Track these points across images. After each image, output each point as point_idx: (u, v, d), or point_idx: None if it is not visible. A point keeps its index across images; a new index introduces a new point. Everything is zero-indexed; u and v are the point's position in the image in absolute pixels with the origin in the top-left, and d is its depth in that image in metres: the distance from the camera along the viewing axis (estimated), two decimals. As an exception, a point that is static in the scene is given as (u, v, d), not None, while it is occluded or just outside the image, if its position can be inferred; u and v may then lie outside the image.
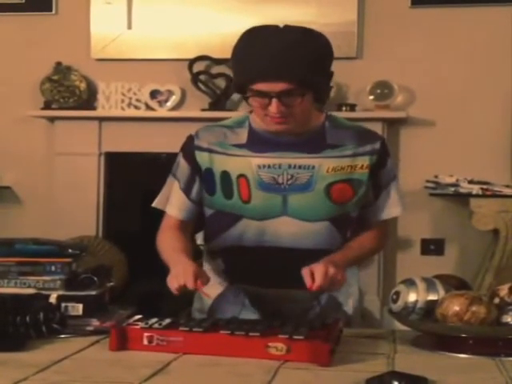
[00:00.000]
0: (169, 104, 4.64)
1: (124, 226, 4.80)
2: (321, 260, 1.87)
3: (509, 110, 4.45)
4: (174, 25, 4.69)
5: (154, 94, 4.63)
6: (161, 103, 4.64)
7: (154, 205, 2.13)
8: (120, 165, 4.79)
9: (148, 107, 4.63)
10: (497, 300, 1.77)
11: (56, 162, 4.71)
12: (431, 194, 4.36)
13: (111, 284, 2.04)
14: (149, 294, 4.11)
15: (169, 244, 2.05)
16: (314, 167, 1.98)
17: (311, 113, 2.00)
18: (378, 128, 4.16)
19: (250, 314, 2.03)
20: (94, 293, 1.92)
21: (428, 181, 4.34)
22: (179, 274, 1.84)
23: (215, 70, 4.66)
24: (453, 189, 4.23)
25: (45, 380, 1.46)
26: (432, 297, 1.79)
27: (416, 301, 1.80)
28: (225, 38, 4.28)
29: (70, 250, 1.99)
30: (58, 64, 4.74)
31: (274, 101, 1.86)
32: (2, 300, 1.81)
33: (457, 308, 1.70)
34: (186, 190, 2.08)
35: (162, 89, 4.63)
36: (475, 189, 4.15)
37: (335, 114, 2.12)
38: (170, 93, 4.64)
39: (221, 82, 4.64)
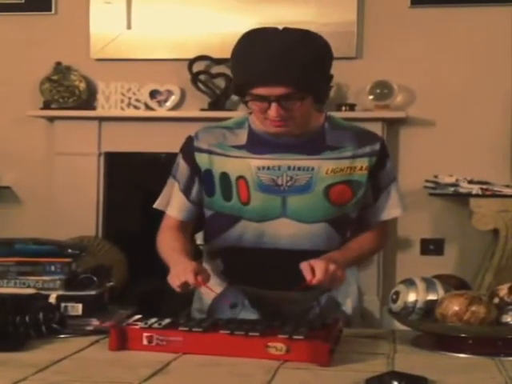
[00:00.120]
0: (168, 104, 4.64)
1: (124, 226, 4.80)
2: (320, 257, 1.87)
3: (508, 110, 4.46)
4: (174, 25, 4.69)
5: (153, 94, 4.63)
6: (160, 103, 4.64)
7: (155, 206, 2.13)
8: (120, 165, 4.79)
9: (147, 107, 4.63)
10: (496, 300, 1.77)
11: (56, 162, 4.71)
12: (431, 194, 4.36)
13: (111, 284, 2.04)
14: (148, 293, 4.11)
15: (168, 244, 2.05)
16: (313, 169, 1.98)
17: (311, 114, 2.00)
18: (377, 128, 4.16)
19: (250, 315, 2.03)
20: (93, 293, 1.92)
21: (428, 181, 4.34)
22: (180, 273, 1.84)
23: (215, 69, 4.66)
24: (452, 189, 4.23)
25: (44, 380, 1.46)
26: (432, 297, 1.79)
27: (416, 301, 1.80)
28: (224, 37, 4.27)
29: (69, 250, 1.99)
30: (58, 64, 4.74)
31: (274, 105, 1.86)
32: (2, 300, 1.80)
33: (456, 308, 1.70)
34: (186, 191, 2.08)
35: (161, 89, 4.63)
36: (475, 189, 4.15)
37: (334, 114, 2.12)
38: (170, 93, 4.64)
39: (220, 82, 4.64)
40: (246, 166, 1.99)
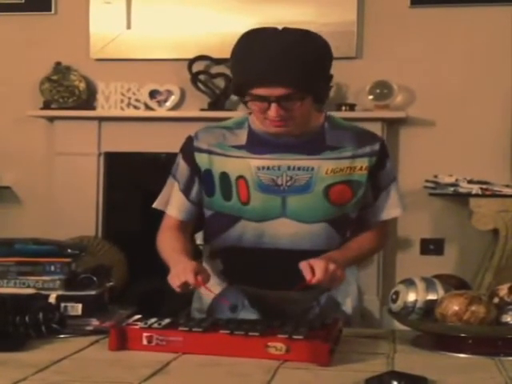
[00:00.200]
0: (168, 104, 4.64)
1: (123, 226, 4.80)
2: (319, 256, 1.87)
3: (508, 110, 4.46)
4: (174, 25, 4.69)
5: (153, 94, 4.63)
6: (160, 103, 4.64)
7: (154, 206, 2.13)
8: (119, 165, 4.79)
9: (147, 107, 4.63)
10: (496, 300, 1.76)
11: (55, 162, 4.71)
12: (431, 194, 4.36)
13: (111, 284, 2.04)
14: (148, 293, 4.11)
15: (169, 244, 2.05)
16: (313, 169, 1.98)
17: (311, 114, 2.00)
18: (377, 128, 4.16)
19: (250, 315, 2.02)
20: (93, 293, 1.92)
21: (427, 181, 4.34)
22: (180, 273, 1.84)
23: (214, 69, 4.66)
24: (452, 189, 4.23)
25: (44, 380, 1.46)
26: (431, 296, 1.79)
27: (415, 300, 1.80)
28: (224, 37, 4.27)
29: (69, 250, 1.99)
30: (58, 64, 4.74)
31: (274, 105, 1.85)
32: (2, 300, 1.80)
33: (456, 308, 1.70)
34: (186, 191, 2.08)
35: (161, 89, 4.63)
36: (475, 188, 4.15)
37: (334, 114, 2.12)
38: (170, 93, 4.64)
39: (220, 82, 4.64)
40: (245, 165, 1.99)
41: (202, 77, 4.66)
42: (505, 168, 4.44)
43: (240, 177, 1.99)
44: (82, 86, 4.72)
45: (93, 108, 4.69)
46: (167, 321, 1.76)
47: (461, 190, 4.21)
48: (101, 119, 4.67)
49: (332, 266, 1.82)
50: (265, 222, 2.00)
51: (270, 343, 1.62)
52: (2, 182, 4.80)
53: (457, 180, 4.23)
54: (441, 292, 1.79)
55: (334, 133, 2.03)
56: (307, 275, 1.79)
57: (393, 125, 4.53)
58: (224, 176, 2.01)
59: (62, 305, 1.87)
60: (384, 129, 4.40)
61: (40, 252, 1.97)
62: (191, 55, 4.62)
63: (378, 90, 4.47)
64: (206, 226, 2.12)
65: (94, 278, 1.95)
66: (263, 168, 1.98)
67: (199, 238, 2.22)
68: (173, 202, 2.10)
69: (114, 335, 1.69)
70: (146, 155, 4.75)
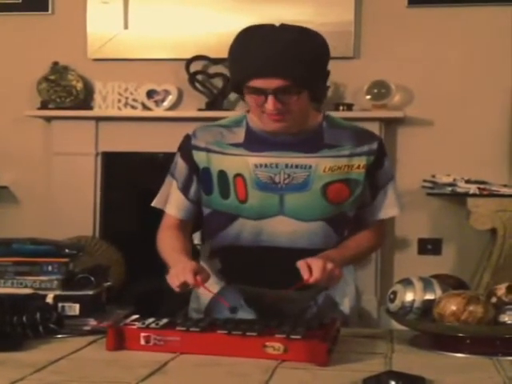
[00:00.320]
0: (165, 104, 4.64)
1: (121, 226, 4.80)
2: (317, 255, 1.87)
3: (507, 110, 4.46)
4: (171, 24, 4.69)
5: (150, 94, 4.62)
6: (157, 103, 4.63)
7: (153, 204, 2.13)
8: (117, 164, 4.79)
9: (145, 107, 4.62)
10: (494, 299, 1.77)
11: (53, 162, 4.70)
12: (428, 194, 4.36)
13: (108, 284, 2.03)
14: (146, 293, 4.11)
15: (168, 243, 2.06)
16: (310, 167, 1.98)
17: (308, 112, 2.00)
18: (375, 128, 4.16)
19: (247, 314, 2.02)
20: (90, 293, 1.92)
21: (425, 180, 4.34)
22: (179, 273, 1.84)
23: (212, 69, 4.65)
24: (450, 188, 4.22)
25: (42, 380, 1.46)
26: (429, 296, 1.79)
27: (413, 300, 1.80)
28: (222, 37, 4.26)
29: (67, 250, 1.99)
30: (55, 64, 4.74)
31: (270, 97, 1.86)
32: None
33: (454, 307, 1.70)
34: (184, 190, 2.08)
35: (158, 88, 4.63)
36: (472, 188, 4.15)
37: (333, 113, 2.12)
38: (167, 92, 4.64)
39: (218, 82, 4.64)
40: (243, 163, 1.99)
41: (199, 77, 4.66)
42: (502, 168, 4.45)
43: (238, 175, 1.99)
44: (80, 85, 4.72)
45: (90, 108, 4.68)
46: (165, 321, 1.76)
47: (459, 190, 4.20)
48: (98, 119, 4.67)
49: (330, 265, 1.82)
50: (263, 220, 2.00)
51: (267, 343, 1.61)
52: (0, 182, 4.80)
53: (454, 180, 4.23)
54: (438, 292, 1.79)
55: (332, 132, 2.03)
56: (305, 274, 1.79)
57: (390, 124, 4.53)
58: (222, 174, 2.01)
59: (60, 305, 1.87)
60: (382, 128, 4.40)
61: (38, 252, 1.96)
62: (189, 55, 4.62)
63: (375, 90, 4.47)
64: (204, 224, 2.12)
65: (92, 278, 1.94)
66: (261, 166, 1.98)
67: (196, 238, 2.22)
68: (171, 201, 2.10)
69: (112, 335, 1.69)
70: (143, 155, 4.75)
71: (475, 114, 4.49)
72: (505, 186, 4.21)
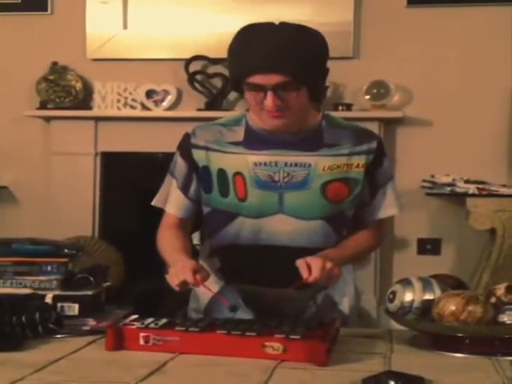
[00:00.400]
0: (165, 104, 4.64)
1: (120, 226, 4.80)
2: (316, 254, 1.87)
3: (505, 110, 4.46)
4: (170, 24, 4.68)
5: (149, 94, 4.62)
6: (157, 103, 4.63)
7: (153, 203, 2.14)
8: (116, 164, 4.79)
9: (144, 107, 4.62)
10: (493, 299, 1.77)
11: (52, 162, 4.70)
12: (428, 194, 4.36)
13: (107, 284, 2.03)
14: (145, 293, 4.11)
15: (168, 242, 2.06)
16: (310, 165, 1.99)
17: (308, 111, 2.01)
18: (374, 128, 4.16)
19: (245, 314, 2.02)
20: (90, 293, 1.92)
21: (424, 180, 4.34)
22: (178, 272, 1.84)
23: (211, 69, 4.65)
24: (449, 188, 4.22)
25: (41, 380, 1.46)
26: (428, 296, 1.79)
27: (412, 300, 1.80)
28: (221, 37, 4.25)
29: (66, 250, 1.99)
30: (54, 64, 4.73)
31: (270, 94, 1.86)
32: (-2, 300, 1.81)
33: (453, 307, 1.70)
34: (184, 189, 2.08)
35: (157, 88, 4.62)
36: (471, 188, 4.15)
37: (332, 113, 2.13)
38: (166, 92, 4.63)
39: (217, 82, 4.64)
40: (243, 162, 2.00)
41: (198, 77, 4.66)
42: (501, 168, 4.45)
43: (237, 173, 2.00)
44: (79, 85, 4.71)
45: (89, 108, 4.68)
46: (164, 321, 1.75)
47: (458, 190, 4.20)
48: (97, 119, 4.67)
49: (329, 265, 1.82)
50: (262, 219, 2.00)
51: (267, 343, 1.61)
52: (-1, 182, 4.80)
53: (454, 180, 4.23)
54: (438, 292, 1.79)
55: (331, 131, 2.04)
56: (304, 273, 1.79)
57: (390, 125, 4.53)
58: (221, 172, 2.01)
59: (59, 305, 1.87)
60: (381, 129, 4.40)
61: (37, 252, 1.96)
62: (188, 55, 4.62)
63: (374, 90, 4.47)
64: (204, 223, 2.12)
65: (91, 278, 1.94)
66: (260, 164, 1.99)
67: (196, 238, 2.22)
68: (171, 200, 2.10)
69: (111, 335, 1.69)
70: (142, 155, 4.75)
71: (474, 114, 4.49)
72: (504, 186, 4.21)
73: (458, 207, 4.35)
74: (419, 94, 4.54)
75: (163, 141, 3.85)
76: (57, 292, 1.90)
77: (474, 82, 4.49)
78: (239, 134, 2.04)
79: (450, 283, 1.89)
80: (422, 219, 4.54)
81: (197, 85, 4.64)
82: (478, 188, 4.14)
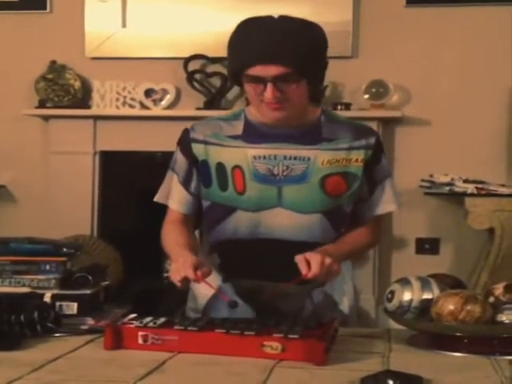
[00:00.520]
0: (163, 103, 4.64)
1: (119, 225, 4.80)
2: (314, 250, 1.87)
3: (504, 110, 4.46)
4: (169, 23, 4.68)
5: (148, 93, 4.62)
6: (155, 102, 4.63)
7: (155, 199, 2.14)
8: (115, 163, 4.78)
9: (143, 106, 4.62)
10: (492, 299, 1.77)
11: (51, 161, 4.70)
12: (426, 193, 4.36)
13: (106, 283, 2.04)
14: (144, 292, 4.11)
15: (172, 238, 2.06)
16: (309, 159, 1.99)
17: (307, 106, 2.01)
18: (373, 127, 4.14)
19: (244, 310, 2.01)
20: (88, 292, 1.92)
21: (423, 180, 4.34)
22: (180, 268, 1.84)
23: (210, 68, 4.65)
24: (448, 188, 4.23)
25: (39, 379, 1.46)
26: (427, 296, 1.79)
27: (411, 300, 1.80)
28: (220, 36, 4.22)
29: (64, 249, 1.99)
30: (53, 62, 4.73)
31: (269, 85, 1.87)
32: (-3, 299, 1.80)
33: (452, 307, 1.70)
34: (185, 184, 2.09)
35: (156, 87, 4.62)
36: (470, 188, 4.15)
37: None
38: (165, 91, 4.63)
39: (216, 81, 4.64)
40: (242, 155, 2.00)
41: (197, 76, 4.66)
42: (500, 167, 4.45)
43: (236, 166, 2.00)
44: (78, 84, 4.71)
45: (88, 107, 4.68)
46: (163, 320, 1.75)
47: (456, 190, 4.21)
48: (96, 118, 4.66)
49: (328, 260, 1.82)
50: (261, 212, 2.00)
51: (265, 342, 1.61)
52: (-2, 181, 4.80)
53: (452, 179, 4.23)
54: (436, 291, 1.80)
55: (330, 126, 2.05)
56: (303, 269, 1.79)
57: (388, 124, 4.53)
58: (220, 166, 2.02)
59: (58, 304, 1.87)
60: (380, 128, 4.40)
61: (35, 251, 1.96)
62: (187, 54, 4.62)
63: (373, 90, 4.47)
64: (204, 218, 2.12)
65: (90, 277, 1.94)
66: (259, 157, 1.99)
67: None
68: (173, 196, 2.11)
69: (110, 334, 1.69)
70: (141, 154, 4.75)
71: (473, 114, 4.49)
72: (502, 185, 4.22)
73: (456, 207, 4.36)
74: (418, 94, 4.54)
75: (162, 140, 3.85)
76: (55, 291, 1.90)
77: (472, 82, 4.49)
78: (238, 127, 2.04)
79: (449, 283, 1.89)
80: (421, 219, 4.54)
81: (196, 84, 4.64)
82: (476, 188, 4.14)
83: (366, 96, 4.46)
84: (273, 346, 1.61)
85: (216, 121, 2.08)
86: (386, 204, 2.10)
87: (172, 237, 2.07)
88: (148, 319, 1.75)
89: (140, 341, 1.69)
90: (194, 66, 4.65)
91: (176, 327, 1.69)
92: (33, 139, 4.80)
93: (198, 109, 4.57)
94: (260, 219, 2.01)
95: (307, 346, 1.58)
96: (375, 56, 4.54)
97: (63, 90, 4.70)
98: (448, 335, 1.71)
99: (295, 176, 1.99)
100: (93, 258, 3.12)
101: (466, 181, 4.22)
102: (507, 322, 1.71)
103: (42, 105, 4.72)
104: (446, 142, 4.51)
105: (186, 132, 2.09)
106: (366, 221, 2.12)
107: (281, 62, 1.86)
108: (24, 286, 1.92)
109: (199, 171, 2.07)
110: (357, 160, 2.02)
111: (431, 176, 4.32)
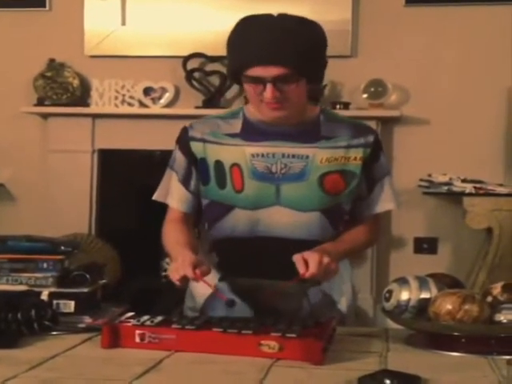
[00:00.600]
0: (162, 101, 4.63)
1: (117, 224, 4.79)
2: (312, 249, 1.87)
3: (503, 109, 4.46)
4: (169, 22, 4.68)
5: (147, 91, 4.61)
6: (154, 100, 4.62)
7: (154, 198, 2.14)
8: (113, 162, 4.78)
9: (141, 104, 4.62)
10: (490, 298, 1.77)
11: (49, 159, 4.69)
12: (424, 193, 4.36)
13: (103, 281, 2.03)
14: (141, 291, 4.10)
15: (172, 236, 2.06)
16: (308, 157, 1.99)
17: (306, 105, 2.01)
18: (371, 126, 4.16)
19: (242, 309, 2.01)
20: (86, 290, 1.92)
21: (421, 179, 4.34)
22: (178, 266, 1.84)
23: (209, 67, 4.65)
24: (446, 187, 4.22)
25: (37, 377, 1.46)
26: (425, 295, 1.79)
27: (409, 299, 1.80)
28: (219, 35, 4.21)
29: (62, 248, 1.98)
30: (52, 60, 4.72)
31: (269, 86, 1.87)
32: (-6, 297, 1.80)
33: (449, 306, 1.70)
34: (185, 182, 2.09)
35: (155, 86, 4.62)
36: (468, 187, 4.15)
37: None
38: (164, 90, 4.63)
39: (215, 80, 4.64)
40: (240, 153, 2.00)
41: (196, 74, 4.66)
42: (498, 167, 4.45)
43: (234, 164, 2.00)
44: (76, 82, 4.71)
45: (87, 105, 4.68)
46: (160, 318, 1.75)
47: (455, 189, 4.20)
48: (95, 116, 4.66)
49: (326, 259, 1.81)
50: (259, 210, 2.00)
51: (263, 341, 1.61)
52: (-4, 179, 4.79)
53: (451, 179, 4.23)
54: (434, 291, 1.79)
55: (329, 124, 2.05)
56: (301, 269, 1.79)
57: (387, 123, 4.53)
58: (218, 164, 2.02)
59: (55, 302, 1.87)
60: (378, 127, 4.39)
61: (33, 249, 1.96)
62: (186, 52, 4.62)
63: (372, 89, 4.47)
64: (202, 217, 2.12)
65: (87, 276, 1.94)
66: (258, 155, 1.99)
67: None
68: (173, 194, 2.10)
69: (107, 332, 1.69)
70: (140, 152, 4.74)
71: (472, 114, 4.49)
72: (501, 185, 4.22)
73: (454, 206, 4.36)
74: (417, 93, 4.54)
75: (161, 138, 3.85)
76: (53, 289, 1.89)
77: (471, 82, 4.49)
78: (236, 126, 2.04)
79: (447, 282, 1.89)
80: (419, 218, 4.54)
81: (194, 82, 4.63)
82: (474, 187, 4.14)
83: (365, 95, 4.46)
84: (270, 345, 1.61)
85: (214, 119, 2.08)
86: (384, 202, 2.10)
87: (172, 235, 2.07)
88: (145, 318, 1.75)
89: (137, 339, 1.68)
90: (192, 64, 4.65)
91: (173, 326, 1.69)
92: (31, 137, 4.79)
93: (197, 107, 4.56)
94: (258, 217, 2.01)
95: (305, 345, 1.58)
96: (374, 55, 4.54)
97: (62, 88, 4.70)
98: (446, 335, 1.71)
99: (294, 174, 1.99)
100: (90, 257, 3.12)
101: (464, 180, 4.22)
102: (505, 321, 1.71)
103: (40, 103, 4.71)
104: (445, 141, 4.51)
105: (184, 130, 2.09)
106: (365, 219, 2.12)
107: (280, 63, 1.86)
108: (21, 284, 1.92)
109: (198, 169, 2.06)
110: (355, 158, 2.02)
111: (429, 175, 4.32)
